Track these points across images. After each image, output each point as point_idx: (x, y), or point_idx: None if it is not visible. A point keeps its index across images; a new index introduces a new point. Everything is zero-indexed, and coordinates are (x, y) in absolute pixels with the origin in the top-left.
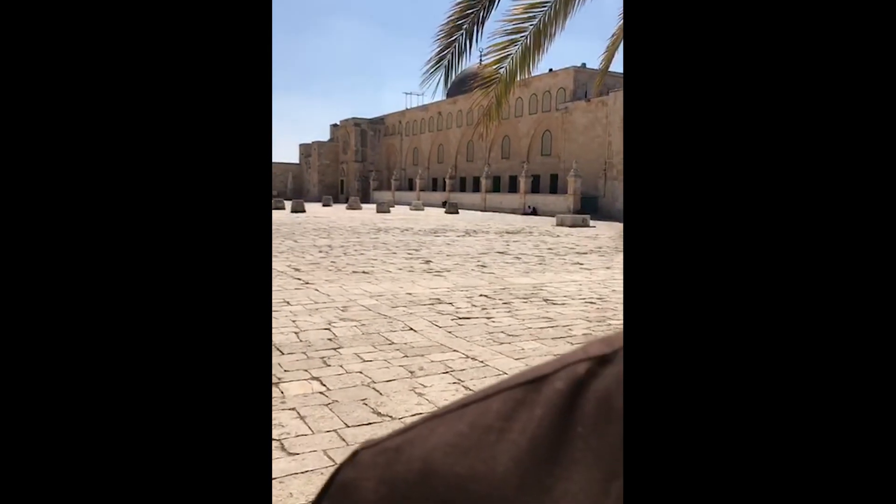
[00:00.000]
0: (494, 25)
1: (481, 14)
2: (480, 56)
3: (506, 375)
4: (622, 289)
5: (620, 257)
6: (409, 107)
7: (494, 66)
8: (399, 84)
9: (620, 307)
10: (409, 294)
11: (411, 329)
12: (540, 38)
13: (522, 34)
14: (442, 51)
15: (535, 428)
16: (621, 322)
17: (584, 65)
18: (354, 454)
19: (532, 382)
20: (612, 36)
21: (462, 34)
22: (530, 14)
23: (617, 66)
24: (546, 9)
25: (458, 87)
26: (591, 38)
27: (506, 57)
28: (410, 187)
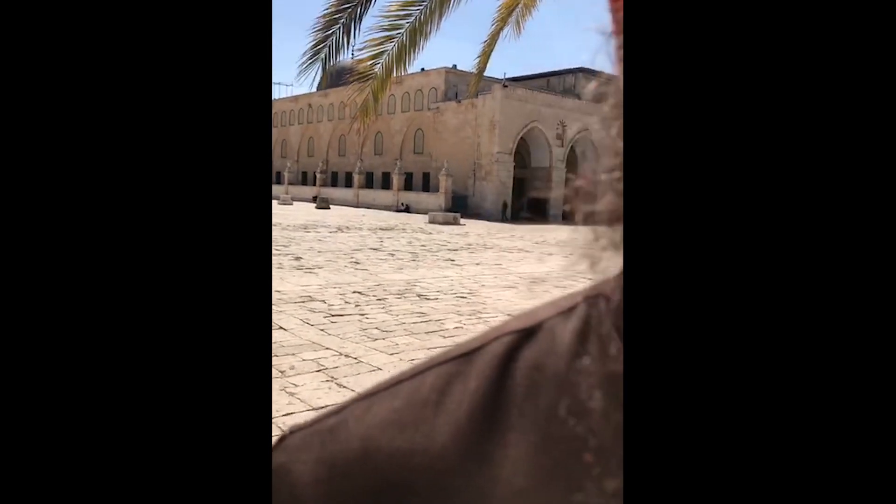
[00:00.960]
0: (372, 20)
1: (359, 10)
2: (352, 52)
3: (381, 371)
4: (481, 283)
5: (489, 254)
6: (277, 97)
7: (370, 62)
8: None
9: (490, 301)
10: (279, 292)
11: (281, 328)
12: (416, 36)
13: (398, 31)
14: (318, 44)
15: (470, 399)
16: (493, 316)
17: (455, 66)
18: (282, 439)
19: (463, 356)
20: (486, 40)
21: (339, 28)
22: (407, 11)
23: (490, 70)
24: (422, 7)
25: (332, 80)
26: (463, 40)
27: (382, 53)
28: (279, 181)
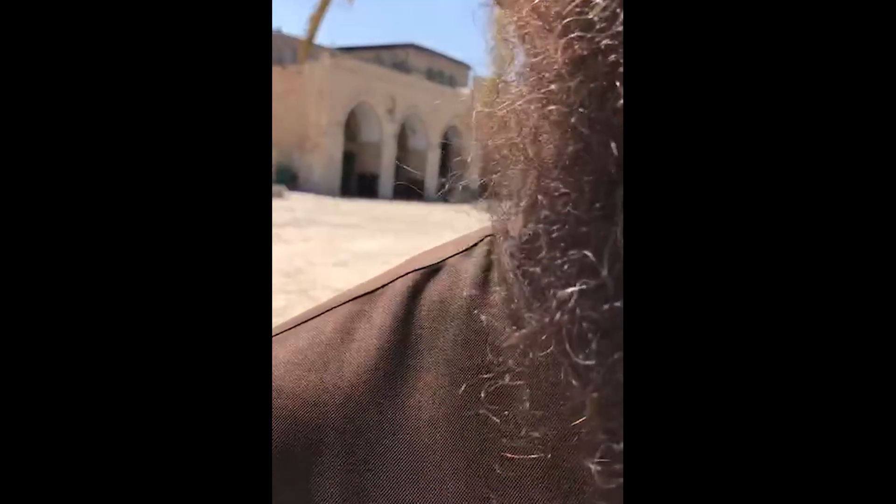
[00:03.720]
0: None
1: None
2: None
3: None
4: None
5: (319, 230)
6: None
7: None
8: None
9: (320, 279)
10: None
11: None
12: None
13: None
14: None
15: (377, 335)
16: (323, 293)
17: (280, 29)
18: None
19: (365, 295)
20: (317, 7)
21: None
22: None
23: (320, 38)
24: None
25: None
26: (290, 1)
27: None
28: None
